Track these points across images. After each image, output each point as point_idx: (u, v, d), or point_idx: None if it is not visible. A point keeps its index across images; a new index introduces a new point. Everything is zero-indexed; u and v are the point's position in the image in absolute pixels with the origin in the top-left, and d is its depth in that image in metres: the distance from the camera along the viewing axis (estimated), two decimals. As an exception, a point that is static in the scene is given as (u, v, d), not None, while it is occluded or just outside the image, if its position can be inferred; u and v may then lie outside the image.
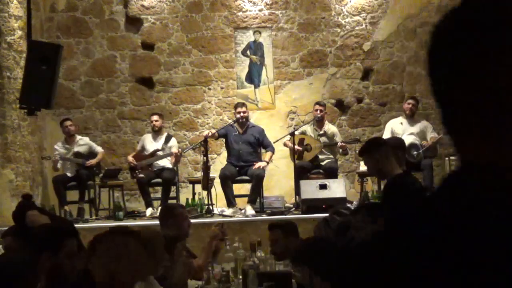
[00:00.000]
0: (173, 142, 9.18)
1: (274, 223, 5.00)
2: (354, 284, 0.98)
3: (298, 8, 10.17)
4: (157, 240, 3.53)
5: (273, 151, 9.03)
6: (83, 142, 9.21)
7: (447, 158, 9.09)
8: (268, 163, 8.90)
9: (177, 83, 10.18)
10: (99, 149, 9.33)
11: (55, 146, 9.17)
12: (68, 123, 9.15)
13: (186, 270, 4.40)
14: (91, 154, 9.15)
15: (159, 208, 8.07)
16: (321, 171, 8.91)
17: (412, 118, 8.93)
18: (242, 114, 8.89)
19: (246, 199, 8.76)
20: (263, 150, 9.10)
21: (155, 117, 9.16)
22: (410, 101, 9.01)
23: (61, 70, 9.50)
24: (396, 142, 4.95)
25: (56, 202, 8.89)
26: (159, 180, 8.90)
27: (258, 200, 8.75)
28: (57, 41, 9.68)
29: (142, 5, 10.13)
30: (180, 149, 9.11)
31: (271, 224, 4.94)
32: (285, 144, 9.11)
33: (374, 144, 4.57)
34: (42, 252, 2.92)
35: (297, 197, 8.72)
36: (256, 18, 10.19)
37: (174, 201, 8.67)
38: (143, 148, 9.19)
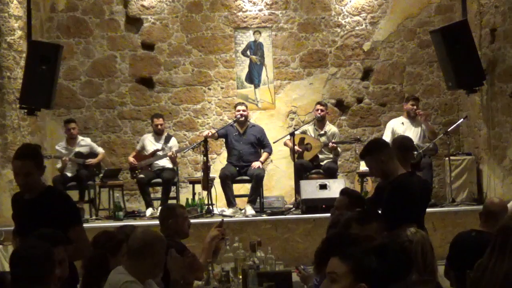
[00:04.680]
0: (173, 142, 9.17)
1: (345, 190, 4.96)
2: None
3: (298, 8, 10.17)
4: (159, 242, 3.49)
5: (270, 152, 9.03)
6: (84, 143, 9.20)
7: (446, 158, 9.09)
8: (262, 163, 8.89)
9: (177, 83, 10.17)
10: (100, 150, 9.32)
11: (57, 147, 9.15)
12: (71, 125, 9.12)
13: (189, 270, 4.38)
14: (92, 155, 9.15)
15: (159, 208, 8.07)
16: (321, 171, 8.91)
17: (414, 118, 8.92)
18: (241, 112, 8.88)
19: (246, 199, 8.76)
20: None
21: (160, 120, 9.12)
22: (412, 102, 8.98)
23: (61, 70, 9.52)
24: (402, 142, 4.87)
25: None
26: (159, 180, 8.90)
27: (258, 200, 8.75)
28: (57, 41, 9.68)
29: (142, 5, 10.13)
30: (173, 151, 9.00)
31: (343, 190, 4.91)
32: (285, 144, 9.12)
33: (376, 146, 4.52)
34: None
35: (297, 196, 8.72)
36: (256, 18, 10.18)
37: (174, 201, 8.66)
38: (142, 148, 9.18)
